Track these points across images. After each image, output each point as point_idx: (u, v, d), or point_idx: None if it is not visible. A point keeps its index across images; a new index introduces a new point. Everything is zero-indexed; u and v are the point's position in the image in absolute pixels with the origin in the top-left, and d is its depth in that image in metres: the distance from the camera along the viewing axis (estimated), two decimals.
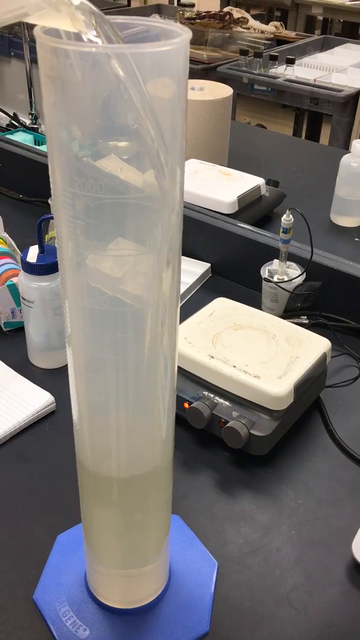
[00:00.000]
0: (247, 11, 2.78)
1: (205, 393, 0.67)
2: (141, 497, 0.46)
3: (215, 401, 0.67)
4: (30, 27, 0.31)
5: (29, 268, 0.72)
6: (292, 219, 0.83)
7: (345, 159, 1.11)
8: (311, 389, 0.69)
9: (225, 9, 2.62)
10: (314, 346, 0.70)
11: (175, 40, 0.29)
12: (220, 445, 0.66)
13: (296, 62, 2.23)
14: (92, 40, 0.28)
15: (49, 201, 1.00)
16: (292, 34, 2.73)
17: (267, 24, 2.75)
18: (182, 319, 0.73)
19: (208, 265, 0.98)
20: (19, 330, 0.81)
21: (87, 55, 0.28)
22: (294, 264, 0.88)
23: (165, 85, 0.31)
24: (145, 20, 0.32)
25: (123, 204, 0.33)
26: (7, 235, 0.93)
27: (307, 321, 0.85)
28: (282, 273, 0.87)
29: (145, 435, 0.43)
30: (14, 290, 0.78)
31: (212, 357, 0.68)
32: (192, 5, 2.92)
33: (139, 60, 0.28)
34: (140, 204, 0.33)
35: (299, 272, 0.87)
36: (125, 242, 0.35)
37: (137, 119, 0.29)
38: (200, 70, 2.28)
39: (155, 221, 0.35)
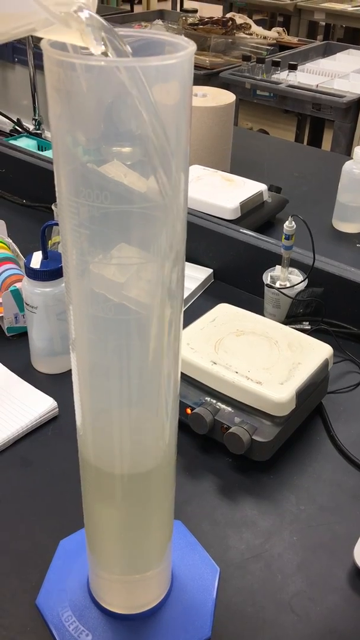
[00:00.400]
0: (250, 17, 2.79)
1: (208, 399, 0.68)
2: (144, 496, 0.46)
3: (218, 407, 0.67)
4: None
5: (33, 274, 0.72)
6: (295, 226, 0.83)
7: (348, 165, 1.11)
8: (313, 395, 0.70)
9: (228, 15, 2.63)
10: (316, 352, 0.71)
11: (180, 54, 0.29)
12: (222, 450, 0.67)
13: (298, 67, 2.24)
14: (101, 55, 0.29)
15: (52, 206, 1.01)
16: (294, 39, 2.74)
17: (269, 29, 2.76)
18: (184, 325, 0.73)
19: (210, 271, 0.98)
20: (22, 335, 0.82)
21: (94, 68, 0.28)
22: (296, 270, 0.89)
23: (170, 93, 0.31)
24: (153, 34, 0.32)
25: (128, 212, 0.33)
26: (11, 241, 0.94)
27: (309, 327, 0.86)
28: (285, 279, 0.87)
29: (148, 437, 0.43)
30: (17, 295, 0.79)
31: (215, 363, 0.68)
32: (195, 11, 2.94)
33: (145, 73, 0.28)
34: (145, 212, 0.34)
35: (301, 278, 0.87)
36: (130, 250, 0.36)
37: (144, 129, 0.30)
38: (203, 75, 2.29)
39: (159, 229, 0.35)
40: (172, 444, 0.45)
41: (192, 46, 0.29)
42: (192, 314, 0.87)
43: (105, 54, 0.29)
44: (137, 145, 0.32)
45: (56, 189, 0.34)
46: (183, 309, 0.96)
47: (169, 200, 0.34)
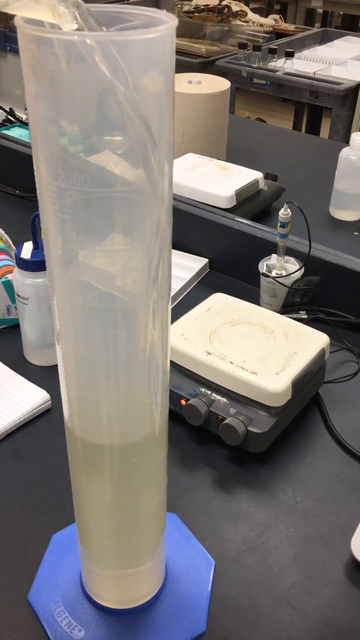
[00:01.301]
0: (246, 4, 2.76)
1: (202, 390, 0.67)
2: (134, 472, 0.44)
3: (213, 398, 0.66)
4: None
5: (23, 264, 0.71)
6: (290, 213, 0.82)
7: (345, 152, 1.10)
8: (309, 384, 0.69)
9: (224, 2, 2.60)
10: (312, 341, 0.70)
11: (161, 28, 0.28)
12: (217, 442, 0.66)
13: (295, 55, 2.21)
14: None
15: None
16: (291, 27, 2.71)
17: (266, 17, 2.73)
18: (179, 315, 0.73)
19: (206, 260, 0.97)
20: (14, 327, 0.80)
21: (70, 44, 0.27)
22: (292, 259, 0.87)
23: (152, 77, 0.30)
24: (131, 9, 0.31)
25: (111, 197, 0.32)
26: (3, 232, 0.93)
27: (305, 316, 0.84)
28: (281, 268, 0.86)
29: (137, 429, 0.42)
30: (9, 286, 0.78)
31: (209, 353, 0.67)
32: None
33: (122, 49, 0.27)
34: (128, 197, 0.32)
35: (297, 266, 0.86)
36: (115, 237, 0.35)
37: (121, 111, 0.28)
38: (199, 64, 2.27)
39: (144, 216, 0.34)
40: (163, 414, 0.43)
41: (173, 20, 0.28)
42: (187, 304, 0.86)
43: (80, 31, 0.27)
44: (126, 134, 0.30)
45: (35, 173, 0.32)
46: (178, 300, 0.94)
47: (153, 186, 0.32)
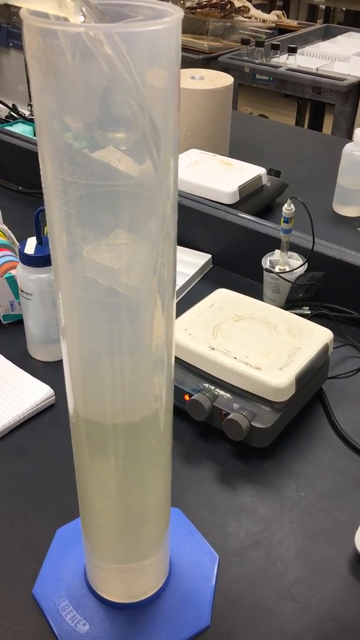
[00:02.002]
0: (249, 0, 2.75)
1: (206, 385, 0.67)
2: (139, 452, 0.43)
3: (216, 393, 0.66)
4: None
5: (27, 260, 0.71)
6: (293, 208, 0.82)
7: (348, 147, 1.10)
8: (313, 380, 0.69)
9: None
10: (315, 337, 0.69)
11: (166, 19, 0.28)
12: (221, 437, 0.66)
13: (298, 51, 2.21)
14: None
15: None
16: (294, 22, 2.70)
17: (268, 12, 2.72)
18: (182, 311, 0.73)
19: (209, 256, 0.97)
20: (18, 323, 0.81)
21: (75, 36, 0.27)
22: (295, 254, 0.87)
23: (158, 73, 0.30)
24: (136, 1, 0.31)
25: (116, 191, 0.32)
26: (6, 228, 0.93)
27: (309, 312, 0.84)
28: (284, 263, 0.86)
29: (142, 422, 0.42)
30: (12, 282, 0.78)
31: (213, 348, 0.67)
32: None
33: (128, 40, 0.27)
34: (133, 191, 0.32)
35: (300, 262, 0.86)
36: (120, 232, 0.34)
37: (126, 103, 0.28)
38: (202, 60, 2.26)
39: (149, 210, 0.34)
40: (168, 409, 0.43)
41: (178, 12, 0.28)
42: (190, 299, 0.86)
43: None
44: (132, 130, 0.30)
45: (40, 167, 0.32)
46: (181, 295, 0.94)
47: (158, 180, 0.32)
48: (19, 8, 0.28)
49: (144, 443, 0.43)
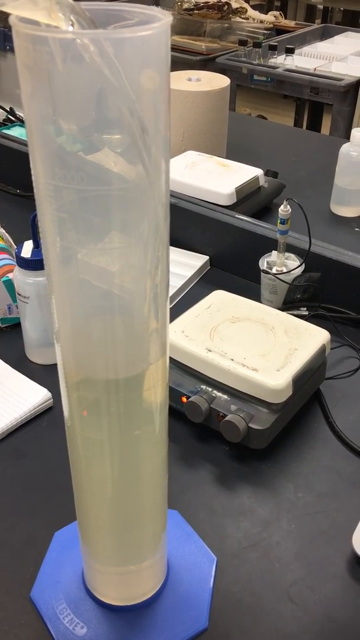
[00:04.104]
0: (246, 1, 2.75)
1: (203, 387, 0.67)
2: (134, 468, 0.44)
3: (213, 395, 0.66)
4: None
5: (24, 263, 0.71)
6: (290, 210, 0.82)
7: (345, 148, 1.10)
8: (310, 381, 0.69)
9: None
10: (313, 338, 0.70)
11: (155, 25, 0.28)
12: (218, 439, 0.66)
13: (296, 51, 2.21)
14: None
15: None
16: (291, 23, 2.70)
17: (266, 13, 2.72)
18: (180, 313, 0.73)
19: (206, 257, 0.97)
20: (16, 326, 0.81)
21: (65, 43, 0.27)
22: (292, 255, 0.87)
23: (148, 75, 0.30)
24: (126, 6, 0.31)
25: (107, 195, 0.32)
26: (4, 231, 0.93)
27: (306, 313, 0.84)
28: (281, 264, 0.86)
29: (138, 444, 0.42)
30: (9, 286, 0.78)
31: (210, 350, 0.67)
32: None
33: (117, 46, 0.27)
34: (124, 195, 0.32)
35: (297, 263, 0.86)
36: (113, 235, 0.35)
37: (117, 109, 0.28)
38: (199, 61, 2.26)
39: (141, 213, 0.34)
40: (163, 412, 0.43)
41: (167, 17, 0.28)
42: (188, 301, 0.86)
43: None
44: (125, 132, 0.30)
45: (32, 172, 0.33)
46: (179, 297, 0.94)
47: (149, 183, 0.32)
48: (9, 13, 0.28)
49: (139, 446, 0.43)
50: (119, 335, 0.37)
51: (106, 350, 0.38)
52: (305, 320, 0.73)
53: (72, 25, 0.27)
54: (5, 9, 0.27)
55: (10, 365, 0.75)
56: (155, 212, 0.34)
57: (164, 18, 0.28)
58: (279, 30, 2.57)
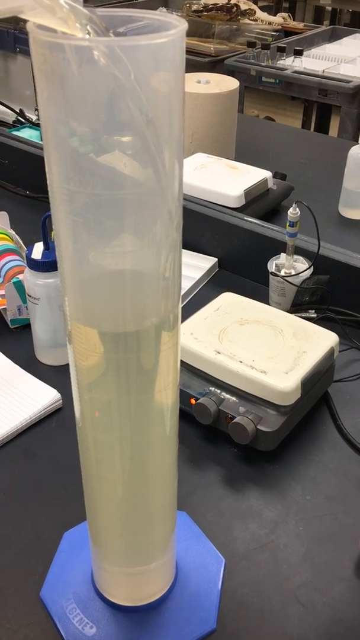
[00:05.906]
0: (255, 3, 2.75)
1: (212, 389, 0.67)
2: (145, 471, 0.44)
3: (222, 397, 0.66)
4: None
5: (34, 265, 0.71)
6: (299, 212, 0.82)
7: (354, 150, 1.10)
8: (319, 383, 0.69)
9: (233, 1, 2.60)
10: (321, 340, 0.70)
11: (171, 32, 0.28)
12: (227, 441, 0.66)
13: (304, 53, 2.21)
14: None
15: None
16: (300, 25, 2.70)
17: (274, 15, 2.72)
18: (188, 314, 0.73)
19: (215, 259, 0.97)
20: (25, 327, 0.81)
21: (81, 49, 0.27)
22: (301, 258, 0.88)
23: (162, 79, 0.30)
24: (142, 13, 0.31)
25: (121, 199, 0.33)
26: (14, 232, 0.93)
27: (315, 315, 0.85)
28: (290, 267, 0.86)
29: (149, 445, 0.42)
30: (20, 287, 0.78)
31: (219, 352, 0.67)
32: None
33: (132, 54, 0.27)
34: (138, 199, 0.33)
35: (306, 265, 0.86)
36: (125, 238, 0.35)
37: (130, 114, 0.29)
38: (208, 63, 2.27)
39: (154, 216, 0.34)
40: (174, 413, 0.43)
41: (182, 24, 0.28)
42: (196, 303, 0.86)
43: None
44: (137, 135, 0.31)
45: (47, 176, 0.33)
46: (187, 299, 0.95)
47: (162, 187, 0.33)
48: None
49: (150, 448, 0.43)
50: (131, 339, 0.38)
51: (117, 352, 0.38)
52: (313, 322, 0.73)
53: (89, 34, 0.28)
54: (24, 16, 0.27)
55: (20, 366, 0.75)
56: (168, 215, 0.34)
57: (179, 25, 0.29)
58: (287, 32, 2.57)
